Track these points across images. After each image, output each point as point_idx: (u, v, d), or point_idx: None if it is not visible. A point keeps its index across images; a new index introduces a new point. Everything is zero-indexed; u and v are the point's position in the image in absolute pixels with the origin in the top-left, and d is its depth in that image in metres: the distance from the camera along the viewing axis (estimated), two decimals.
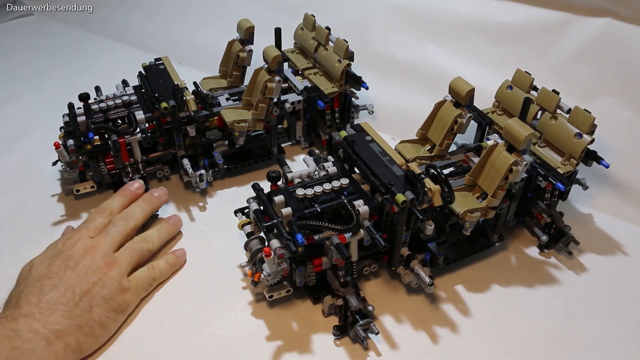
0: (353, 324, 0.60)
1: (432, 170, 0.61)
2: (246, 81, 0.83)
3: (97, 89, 0.83)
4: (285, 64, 0.93)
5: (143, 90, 0.80)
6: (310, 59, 0.92)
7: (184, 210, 0.79)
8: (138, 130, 0.75)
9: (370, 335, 0.60)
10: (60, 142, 0.74)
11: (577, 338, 0.63)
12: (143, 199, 0.72)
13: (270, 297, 0.62)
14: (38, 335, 0.53)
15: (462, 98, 0.68)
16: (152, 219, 0.76)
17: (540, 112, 0.74)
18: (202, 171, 0.78)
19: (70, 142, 0.72)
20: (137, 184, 0.74)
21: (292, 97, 0.85)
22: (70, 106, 0.76)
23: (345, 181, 0.61)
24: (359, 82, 0.84)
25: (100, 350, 0.59)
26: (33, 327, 0.54)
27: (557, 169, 0.68)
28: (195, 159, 0.81)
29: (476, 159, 0.66)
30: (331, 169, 0.65)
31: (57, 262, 0.60)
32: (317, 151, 0.77)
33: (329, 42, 0.88)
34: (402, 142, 0.73)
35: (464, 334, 0.63)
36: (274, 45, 0.85)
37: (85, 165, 0.76)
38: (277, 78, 0.75)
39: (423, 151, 0.72)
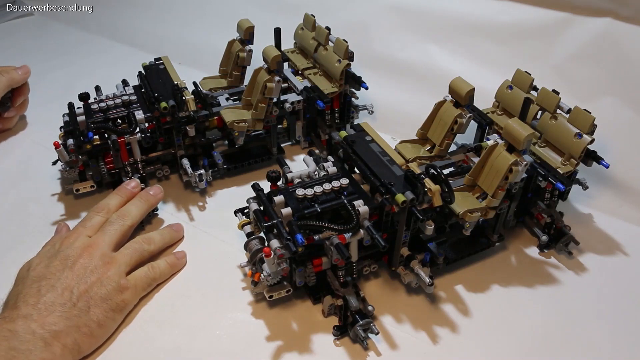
0: (353, 324, 0.60)
1: (432, 170, 0.61)
2: (246, 81, 0.83)
3: (97, 88, 0.83)
4: (285, 64, 0.93)
5: (143, 90, 0.80)
6: (310, 59, 0.92)
7: (184, 209, 0.79)
8: (138, 129, 0.75)
9: (370, 335, 0.60)
10: (60, 142, 0.74)
11: (577, 338, 0.63)
12: (139, 197, 0.72)
13: (270, 297, 0.62)
14: (35, 336, 0.53)
15: (462, 98, 0.68)
16: (150, 217, 0.76)
17: (540, 112, 0.74)
18: (202, 171, 0.78)
19: (70, 141, 0.72)
20: (133, 183, 0.74)
21: (292, 97, 0.85)
22: (70, 106, 0.76)
23: (345, 181, 0.61)
24: (358, 82, 0.84)
25: (100, 351, 0.59)
26: (30, 328, 0.54)
27: (557, 169, 0.68)
28: (195, 158, 0.81)
29: (476, 159, 0.66)
30: (331, 169, 0.65)
31: (54, 262, 0.60)
32: (317, 151, 0.77)
33: (329, 42, 0.88)
34: (402, 142, 0.73)
35: (464, 334, 0.63)
36: (273, 45, 0.85)
37: (85, 165, 0.76)
38: (277, 78, 0.75)
39: (423, 151, 0.72)
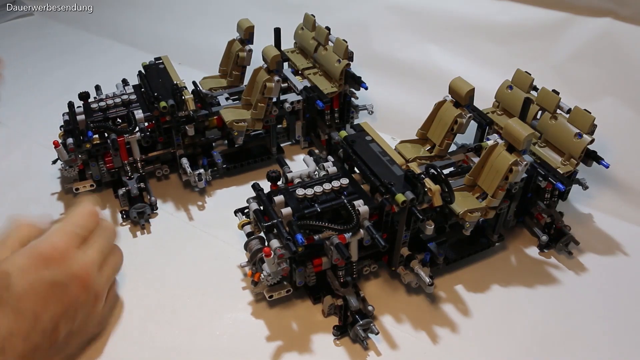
0: (353, 324, 0.60)
1: (432, 170, 0.61)
2: (246, 81, 0.83)
3: (97, 88, 0.83)
4: (285, 64, 0.93)
5: (143, 90, 0.80)
6: (310, 58, 0.92)
7: (183, 209, 0.79)
8: (137, 129, 0.75)
9: (370, 335, 0.60)
10: (60, 141, 0.74)
11: (577, 338, 0.63)
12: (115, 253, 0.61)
13: (270, 297, 0.62)
14: None
15: (462, 98, 0.68)
16: (150, 215, 0.76)
17: (540, 112, 0.74)
18: (201, 170, 0.78)
19: (70, 140, 0.72)
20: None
21: (292, 97, 0.85)
22: (70, 105, 0.76)
23: (345, 181, 0.61)
24: (358, 82, 0.84)
25: (100, 350, 0.59)
26: None
27: (557, 169, 0.68)
28: (195, 158, 0.81)
29: (476, 159, 0.66)
30: (331, 169, 0.65)
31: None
32: (317, 151, 0.77)
33: (329, 42, 0.88)
34: (402, 142, 0.73)
35: (464, 334, 0.63)
36: (273, 45, 0.85)
37: (84, 164, 0.76)
38: (276, 78, 0.75)
39: (423, 151, 0.72)
